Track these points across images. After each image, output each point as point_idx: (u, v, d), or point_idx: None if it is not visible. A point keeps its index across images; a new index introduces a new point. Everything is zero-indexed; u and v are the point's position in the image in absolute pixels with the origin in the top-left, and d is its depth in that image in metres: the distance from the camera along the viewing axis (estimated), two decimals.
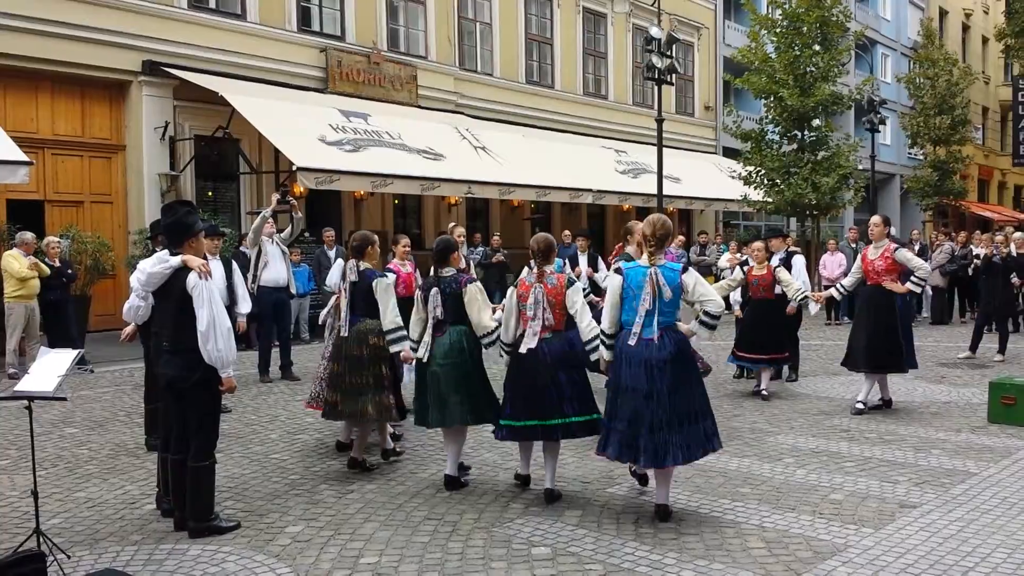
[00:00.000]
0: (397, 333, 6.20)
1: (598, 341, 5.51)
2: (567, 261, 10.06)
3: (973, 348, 12.10)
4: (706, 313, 5.28)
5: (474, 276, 6.61)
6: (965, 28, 43.14)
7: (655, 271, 5.20)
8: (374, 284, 6.34)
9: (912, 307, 9.07)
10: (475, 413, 5.95)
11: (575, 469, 6.41)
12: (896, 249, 8.37)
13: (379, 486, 6.10)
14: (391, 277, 7.07)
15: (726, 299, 10.11)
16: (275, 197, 10.26)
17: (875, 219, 8.60)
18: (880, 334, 8.34)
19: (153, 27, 14.62)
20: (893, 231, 18.69)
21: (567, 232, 16.50)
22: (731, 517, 5.36)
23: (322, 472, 6.51)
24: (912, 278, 8.31)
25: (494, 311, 6.19)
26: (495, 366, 6.27)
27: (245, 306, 8.68)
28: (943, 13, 40.88)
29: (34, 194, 13.75)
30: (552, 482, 5.76)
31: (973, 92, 36.61)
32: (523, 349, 5.67)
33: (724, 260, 15.44)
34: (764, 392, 9.32)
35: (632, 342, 5.20)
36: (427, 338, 6.00)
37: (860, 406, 8.41)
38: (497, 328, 5.91)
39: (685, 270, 5.28)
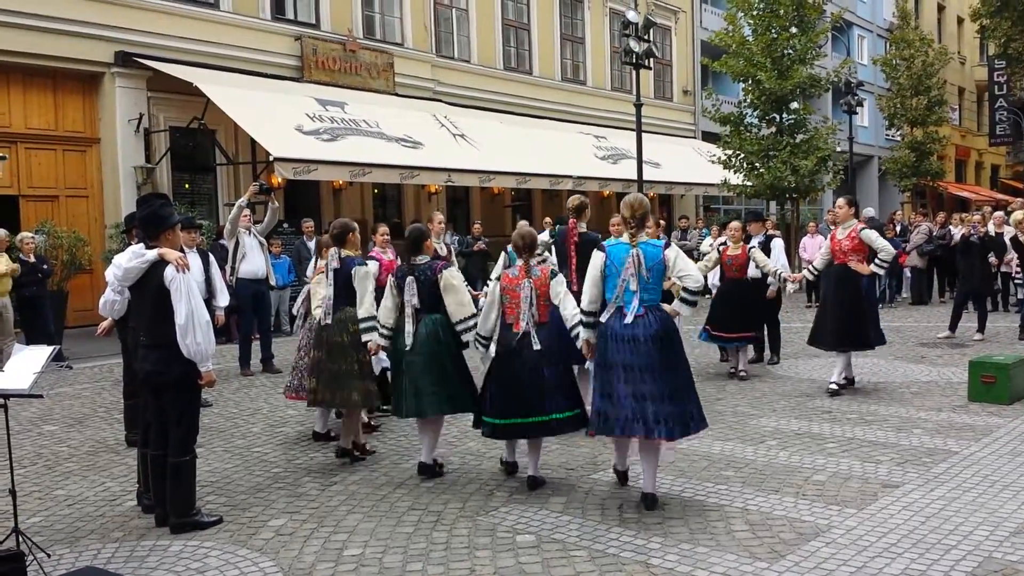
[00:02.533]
0: (369, 323, 6.15)
1: (581, 327, 5.49)
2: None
3: (952, 327, 12.19)
4: (685, 289, 5.30)
5: (453, 262, 6.54)
6: (940, 8, 43.33)
7: (638, 251, 5.22)
8: (353, 272, 6.28)
9: (876, 288, 9.20)
10: (451, 402, 5.90)
11: (559, 456, 6.40)
12: (862, 229, 8.47)
13: (362, 477, 6.07)
14: (372, 265, 7.00)
15: (705, 279, 10.17)
16: (253, 188, 10.13)
17: (840, 201, 8.83)
18: (846, 313, 8.45)
19: (125, 17, 14.40)
20: (871, 212, 18.92)
21: (548, 219, 16.47)
22: (715, 500, 5.38)
23: (305, 465, 6.47)
24: (876, 260, 8.39)
25: (476, 300, 6.13)
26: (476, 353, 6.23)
27: (223, 299, 8.61)
28: None
29: (8, 189, 13.57)
30: (535, 470, 5.76)
31: (949, 73, 36.82)
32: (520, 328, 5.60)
33: (706, 244, 15.44)
34: (742, 372, 9.38)
35: (629, 320, 5.20)
36: (410, 327, 5.92)
37: (834, 387, 8.46)
38: (476, 315, 5.87)
39: (668, 246, 5.32)
